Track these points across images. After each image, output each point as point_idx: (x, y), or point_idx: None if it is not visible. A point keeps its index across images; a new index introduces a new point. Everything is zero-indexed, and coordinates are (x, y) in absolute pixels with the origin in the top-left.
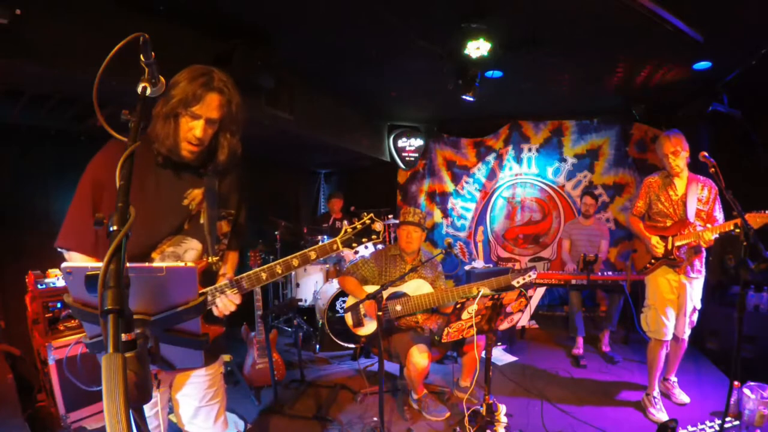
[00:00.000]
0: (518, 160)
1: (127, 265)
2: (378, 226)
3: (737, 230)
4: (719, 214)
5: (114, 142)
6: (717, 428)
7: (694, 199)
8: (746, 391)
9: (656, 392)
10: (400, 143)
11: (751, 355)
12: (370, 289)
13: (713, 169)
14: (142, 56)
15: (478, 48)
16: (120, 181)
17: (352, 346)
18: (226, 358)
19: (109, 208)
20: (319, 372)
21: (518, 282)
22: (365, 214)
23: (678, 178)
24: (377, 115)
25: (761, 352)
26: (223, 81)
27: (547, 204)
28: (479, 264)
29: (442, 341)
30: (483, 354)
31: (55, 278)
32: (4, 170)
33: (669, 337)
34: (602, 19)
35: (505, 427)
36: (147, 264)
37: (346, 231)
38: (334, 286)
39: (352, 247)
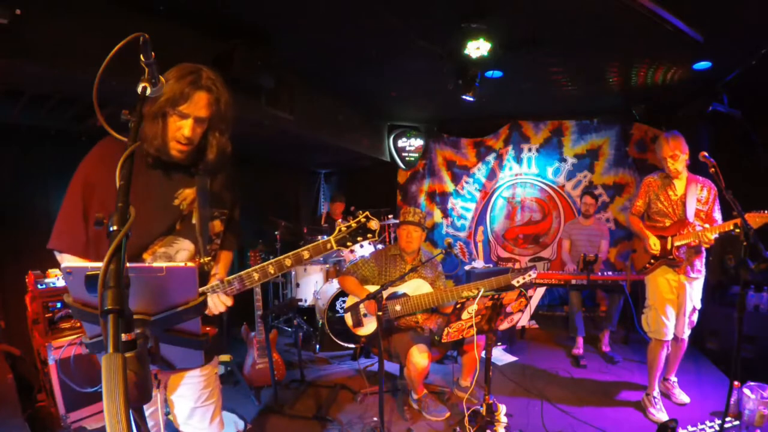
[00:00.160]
0: (518, 160)
1: (127, 265)
2: (374, 224)
3: (737, 230)
4: (718, 214)
5: (104, 143)
6: (717, 428)
7: (694, 199)
8: (746, 391)
9: (656, 392)
10: (400, 143)
11: (751, 355)
12: (371, 289)
13: (713, 169)
14: (142, 56)
15: (478, 48)
16: (120, 181)
17: (352, 346)
18: (226, 358)
19: (99, 208)
20: (319, 372)
21: (518, 281)
22: (360, 212)
23: (677, 179)
24: (377, 115)
25: (761, 352)
26: (211, 79)
27: (547, 204)
28: (479, 264)
29: (442, 341)
30: (483, 354)
31: (55, 278)
32: (4, 170)
33: (669, 337)
34: (602, 19)
35: (505, 427)
36: (147, 264)
37: (340, 230)
38: (334, 286)
39: (347, 246)
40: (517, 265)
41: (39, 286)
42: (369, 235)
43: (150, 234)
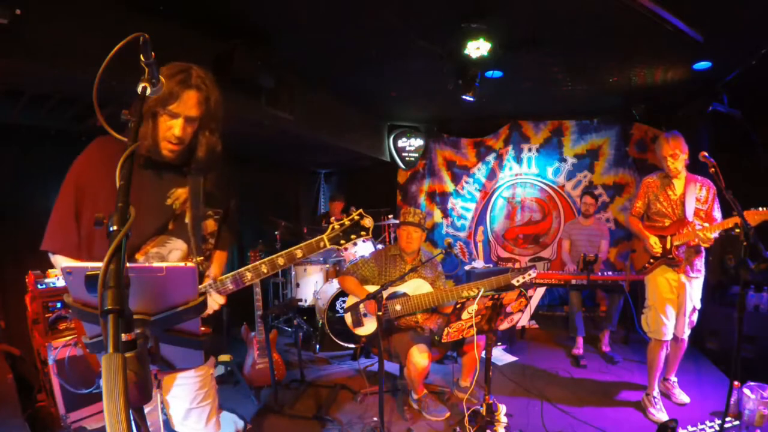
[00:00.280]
0: (518, 160)
1: (127, 265)
2: (367, 222)
3: (737, 230)
4: (718, 214)
5: (95, 144)
6: (717, 428)
7: (693, 198)
8: (746, 391)
9: (656, 392)
10: (400, 143)
11: (751, 355)
12: (371, 289)
13: (713, 169)
14: (142, 56)
15: (478, 48)
16: (120, 181)
17: (352, 346)
18: (226, 358)
19: (91, 209)
20: (319, 372)
21: (518, 281)
22: (353, 209)
23: (676, 179)
24: (377, 115)
25: (761, 352)
26: (201, 77)
27: (547, 204)
28: (479, 264)
29: (442, 341)
30: (483, 354)
31: (55, 278)
32: (4, 170)
33: (669, 337)
34: (602, 19)
35: (505, 427)
36: (147, 264)
37: (333, 228)
38: (334, 286)
39: (341, 245)
40: (517, 265)
41: (39, 286)
42: (363, 233)
43: (142, 234)
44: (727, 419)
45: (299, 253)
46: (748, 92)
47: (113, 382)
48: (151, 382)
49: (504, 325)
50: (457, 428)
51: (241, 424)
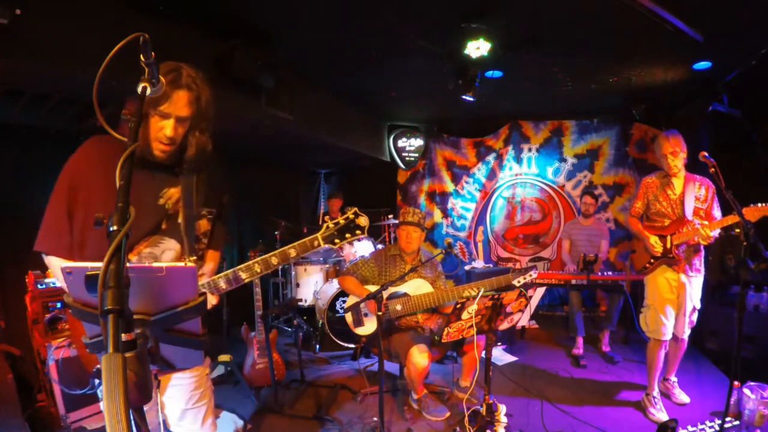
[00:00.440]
0: (518, 160)
1: (127, 265)
2: (362, 220)
3: (737, 230)
4: (717, 213)
5: (88, 144)
6: (717, 428)
7: (692, 197)
8: (746, 391)
9: (656, 392)
10: (400, 143)
11: (751, 355)
12: (371, 288)
13: (713, 169)
14: (142, 56)
15: (478, 48)
16: (120, 181)
17: (352, 346)
18: (226, 358)
19: (84, 210)
20: (319, 372)
21: (518, 281)
22: (349, 208)
23: (676, 177)
24: (377, 115)
25: (761, 352)
26: (191, 77)
27: (547, 204)
28: (479, 264)
29: (442, 341)
30: (483, 354)
31: (55, 278)
32: (4, 170)
33: (668, 336)
34: (602, 19)
35: (505, 427)
36: (147, 264)
37: (328, 226)
38: (334, 286)
39: (335, 244)
40: (517, 265)
41: (39, 286)
42: (358, 232)
43: (135, 234)
44: (727, 419)
45: (293, 252)
46: (748, 92)
47: (113, 382)
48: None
49: (504, 325)
50: (457, 428)
51: (240, 424)
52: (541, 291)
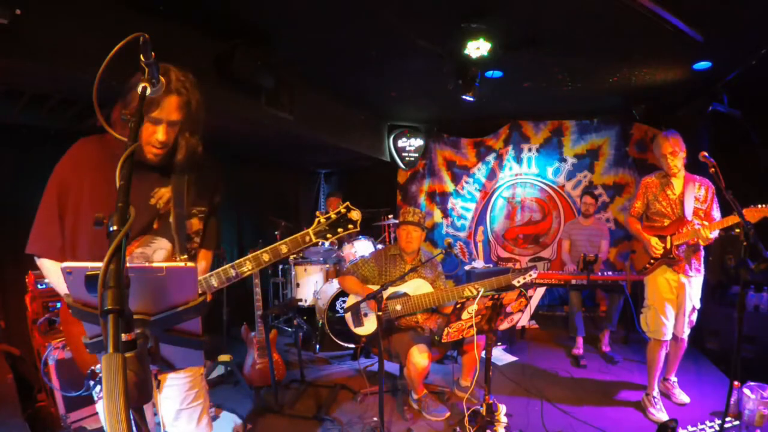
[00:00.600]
0: (518, 160)
1: (127, 264)
2: (355, 214)
3: (737, 230)
4: (717, 213)
5: (77, 145)
6: (717, 428)
7: (692, 197)
8: (746, 391)
9: (656, 392)
10: (400, 143)
11: (751, 355)
12: (371, 288)
13: (713, 169)
14: (142, 56)
15: (478, 48)
16: (120, 181)
17: (352, 346)
18: (226, 358)
19: (74, 211)
20: (319, 372)
21: (518, 282)
22: (333, 199)
23: (675, 178)
24: (377, 115)
25: (761, 352)
26: (181, 81)
27: (547, 204)
28: (479, 264)
29: (442, 341)
30: (483, 354)
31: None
32: (4, 170)
33: (668, 336)
34: (602, 19)
35: (505, 427)
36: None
37: (319, 221)
38: (334, 286)
39: (327, 239)
40: (517, 265)
41: (39, 286)
42: (350, 226)
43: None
44: (727, 419)
45: (284, 249)
46: (748, 92)
47: (113, 382)
48: (152, 382)
49: (504, 325)
50: (457, 428)
51: (240, 424)
52: (541, 291)
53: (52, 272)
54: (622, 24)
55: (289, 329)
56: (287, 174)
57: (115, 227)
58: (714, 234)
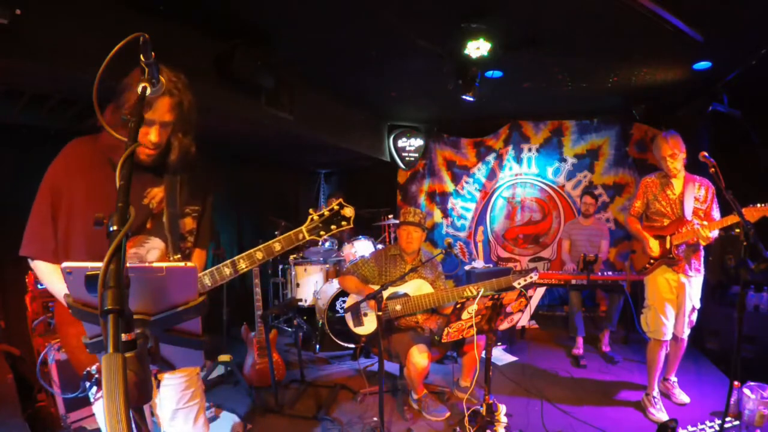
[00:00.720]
0: (518, 160)
1: (127, 265)
2: (348, 211)
3: (737, 230)
4: (717, 213)
5: (69, 147)
6: (717, 428)
7: (691, 197)
8: (746, 391)
9: (656, 392)
10: (400, 143)
11: (751, 355)
12: (372, 288)
13: (713, 169)
14: (142, 56)
15: (478, 48)
16: (120, 181)
17: (352, 346)
18: (226, 358)
19: (67, 212)
20: (319, 372)
21: (519, 283)
22: (333, 199)
23: (675, 178)
24: (377, 115)
25: (761, 352)
26: (173, 82)
27: (547, 204)
28: (479, 264)
29: (442, 341)
30: (483, 354)
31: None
32: (4, 170)
33: (668, 336)
34: (602, 19)
35: (505, 427)
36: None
37: (312, 219)
38: (334, 286)
39: (320, 236)
40: (517, 266)
41: (39, 286)
42: (344, 223)
43: None
44: (727, 419)
45: (277, 246)
46: (748, 92)
47: (113, 382)
48: (151, 382)
49: (504, 325)
50: (457, 428)
51: (241, 424)
52: (541, 291)
53: (46, 274)
54: (622, 24)
55: (289, 329)
56: (287, 174)
57: (115, 227)
58: (714, 234)
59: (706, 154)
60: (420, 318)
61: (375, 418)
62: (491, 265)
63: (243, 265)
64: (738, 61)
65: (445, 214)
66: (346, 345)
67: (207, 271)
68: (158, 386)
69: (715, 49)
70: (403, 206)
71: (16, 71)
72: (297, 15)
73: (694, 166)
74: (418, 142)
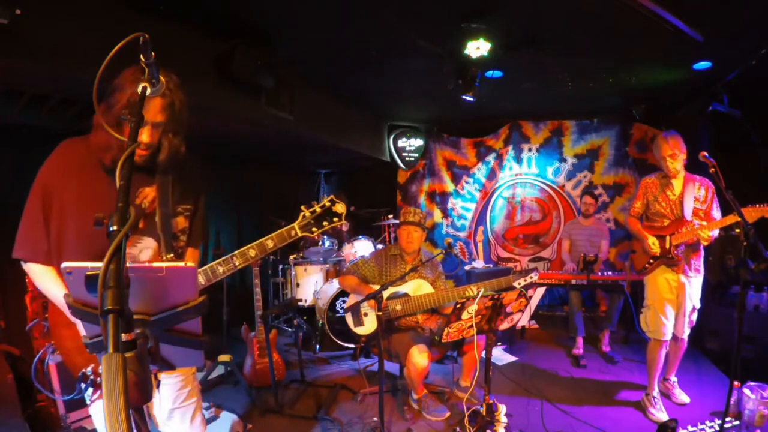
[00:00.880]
0: (518, 160)
1: (127, 265)
2: (339, 207)
3: (737, 230)
4: (717, 213)
5: (61, 148)
6: (717, 428)
7: (691, 197)
8: (746, 391)
9: (656, 392)
10: (400, 143)
11: (751, 355)
12: (372, 288)
13: (713, 169)
14: (142, 56)
15: (478, 48)
16: (120, 181)
17: (352, 346)
18: (226, 358)
19: (59, 214)
20: (319, 372)
21: (519, 283)
22: (324, 196)
23: (675, 178)
24: (377, 115)
25: (761, 352)
26: (164, 82)
27: (547, 204)
28: (479, 264)
29: (442, 341)
30: (483, 354)
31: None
32: (4, 170)
33: (668, 336)
34: (602, 19)
35: (505, 427)
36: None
37: (304, 215)
38: (334, 286)
39: (313, 232)
40: (517, 266)
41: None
42: (335, 219)
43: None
44: (727, 419)
45: (270, 243)
46: (748, 92)
47: (113, 382)
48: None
49: (504, 325)
50: (457, 428)
51: (241, 423)
52: (541, 291)
53: (40, 276)
54: (622, 24)
55: (289, 329)
56: (287, 174)
57: (115, 227)
58: (714, 233)
59: (706, 154)
60: (420, 318)
61: (375, 418)
62: (491, 265)
63: (237, 263)
64: (738, 61)
65: (445, 214)
66: (346, 345)
67: (201, 269)
68: (158, 386)
69: (715, 49)
70: (403, 206)
71: (16, 71)
72: (297, 15)
73: (694, 166)
74: (418, 142)
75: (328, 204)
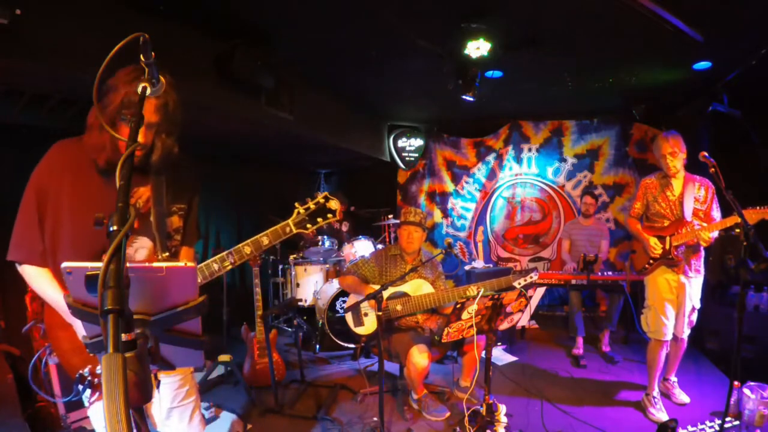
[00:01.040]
0: (518, 160)
1: (128, 265)
2: (333, 204)
3: (737, 230)
4: (717, 213)
5: (52, 151)
6: (717, 428)
7: (691, 198)
8: (746, 391)
9: (656, 392)
10: (400, 143)
11: (751, 355)
12: (372, 287)
13: (713, 169)
14: (142, 56)
15: (478, 48)
16: (120, 181)
17: (352, 346)
18: (226, 358)
19: (53, 215)
20: (319, 372)
21: (519, 283)
22: (318, 193)
23: (675, 178)
24: (377, 115)
25: (761, 352)
26: None
27: (547, 204)
28: (479, 264)
29: (442, 341)
30: (483, 354)
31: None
32: (4, 170)
33: (669, 337)
34: (602, 19)
35: (505, 427)
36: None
37: (298, 212)
38: (334, 286)
39: (307, 229)
40: (517, 266)
41: None
42: (330, 216)
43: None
44: (727, 419)
45: (265, 240)
46: (748, 92)
47: (113, 382)
48: (152, 382)
49: (504, 325)
50: (457, 428)
51: (240, 424)
52: (541, 291)
53: (35, 277)
54: (622, 24)
55: (289, 329)
56: (287, 174)
57: (115, 227)
58: (714, 234)
59: (706, 154)
60: (420, 318)
61: (375, 418)
62: (491, 265)
63: (233, 259)
64: (738, 61)
65: (445, 214)
66: (346, 345)
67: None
68: (158, 386)
69: (715, 49)
70: (403, 206)
71: (16, 71)
72: (297, 15)
73: (694, 166)
74: (418, 142)
75: (322, 201)
